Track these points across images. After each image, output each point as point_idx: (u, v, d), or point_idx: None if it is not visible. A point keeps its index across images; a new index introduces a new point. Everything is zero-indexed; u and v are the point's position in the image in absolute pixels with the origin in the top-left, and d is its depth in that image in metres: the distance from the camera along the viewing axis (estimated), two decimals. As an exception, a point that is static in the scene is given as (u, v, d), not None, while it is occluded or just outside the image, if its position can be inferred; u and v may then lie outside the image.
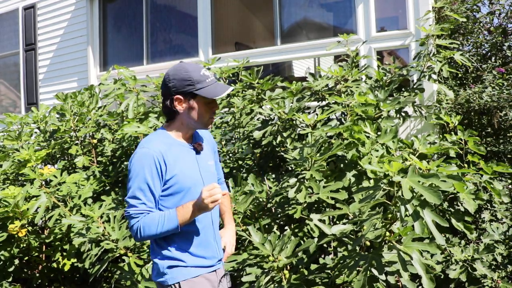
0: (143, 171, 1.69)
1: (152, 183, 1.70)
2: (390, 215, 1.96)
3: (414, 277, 2.39)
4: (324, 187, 2.53)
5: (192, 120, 1.79)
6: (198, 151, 1.86)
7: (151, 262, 1.77)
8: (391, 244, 2.00)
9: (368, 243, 2.20)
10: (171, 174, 1.74)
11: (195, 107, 1.76)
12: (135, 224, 1.69)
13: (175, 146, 1.80)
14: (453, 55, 3.42)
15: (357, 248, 2.19)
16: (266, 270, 2.32)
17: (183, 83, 1.73)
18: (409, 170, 1.75)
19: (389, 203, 1.88)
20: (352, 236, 2.32)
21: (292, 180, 2.59)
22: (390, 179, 1.81)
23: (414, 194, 1.72)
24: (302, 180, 2.52)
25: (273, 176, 3.26)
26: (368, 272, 1.98)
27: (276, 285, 2.28)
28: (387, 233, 2.02)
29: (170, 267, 1.76)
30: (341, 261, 2.25)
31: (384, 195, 1.86)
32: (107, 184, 3.72)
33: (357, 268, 2.08)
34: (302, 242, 2.58)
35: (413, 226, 1.69)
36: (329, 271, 2.41)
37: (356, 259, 2.06)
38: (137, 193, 1.70)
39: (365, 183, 2.59)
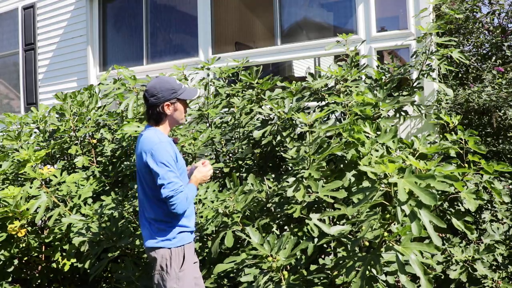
0: (171, 158, 2.14)
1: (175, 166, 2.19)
2: (388, 216, 1.95)
3: (415, 277, 2.38)
4: (323, 186, 2.52)
5: (176, 119, 2.31)
6: (175, 143, 2.38)
7: (151, 230, 2.22)
8: (390, 244, 1.99)
9: (367, 243, 2.19)
10: (178, 159, 2.23)
11: (178, 109, 2.29)
12: (184, 196, 2.12)
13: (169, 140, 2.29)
14: (451, 52, 3.41)
15: (357, 248, 2.18)
16: (265, 271, 2.31)
17: (169, 92, 2.24)
18: (406, 170, 1.74)
19: (387, 203, 1.87)
20: (351, 237, 2.31)
21: (291, 179, 2.59)
22: (388, 180, 1.80)
23: (411, 195, 1.71)
24: (300, 179, 2.51)
25: (273, 176, 3.25)
26: (367, 273, 1.97)
27: (275, 285, 2.27)
28: (386, 234, 2.01)
29: (180, 232, 2.22)
30: (340, 262, 2.24)
31: (382, 195, 1.85)
32: (107, 184, 3.71)
33: (356, 269, 2.07)
34: (301, 242, 2.57)
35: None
36: (328, 272, 2.40)
37: (354, 259, 2.05)
38: (174, 177, 2.11)
39: (365, 183, 2.57)
